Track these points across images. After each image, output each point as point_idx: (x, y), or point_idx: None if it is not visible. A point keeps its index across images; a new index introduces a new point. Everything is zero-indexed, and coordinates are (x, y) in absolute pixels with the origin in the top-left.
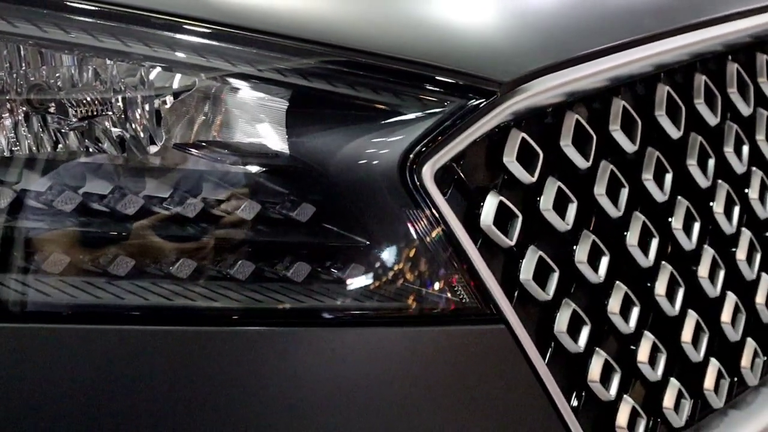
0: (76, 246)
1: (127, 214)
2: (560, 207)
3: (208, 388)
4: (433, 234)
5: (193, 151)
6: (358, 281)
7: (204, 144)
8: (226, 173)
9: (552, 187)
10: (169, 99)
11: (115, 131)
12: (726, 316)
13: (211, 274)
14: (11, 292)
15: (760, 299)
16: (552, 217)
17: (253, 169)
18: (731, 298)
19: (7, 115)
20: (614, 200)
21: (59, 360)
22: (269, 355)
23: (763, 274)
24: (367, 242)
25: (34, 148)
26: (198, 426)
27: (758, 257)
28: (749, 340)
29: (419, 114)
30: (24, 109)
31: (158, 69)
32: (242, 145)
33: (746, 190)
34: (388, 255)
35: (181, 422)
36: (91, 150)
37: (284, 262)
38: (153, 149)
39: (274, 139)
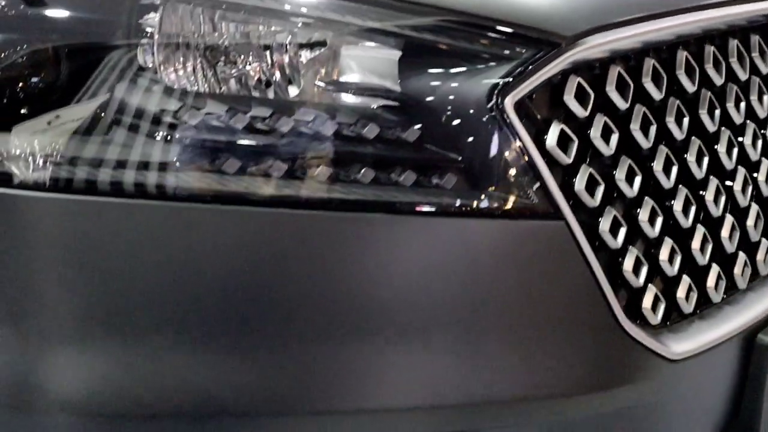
0: (243, 153)
1: (282, 132)
2: (605, 136)
3: (334, 262)
4: (512, 150)
5: (329, 88)
6: (453, 185)
7: (337, 83)
8: (354, 104)
9: (600, 120)
10: (309, 50)
11: (265, 77)
12: (725, 232)
13: (342, 178)
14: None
15: (750, 222)
16: (599, 143)
17: (374, 102)
18: (729, 219)
19: (189, 64)
20: (645, 134)
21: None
22: (381, 236)
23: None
24: (460, 157)
25: (206, 89)
26: (317, 292)
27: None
28: (741, 253)
29: (502, 60)
30: (200, 62)
31: (301, 24)
32: (366, 85)
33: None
34: (476, 166)
35: (310, 291)
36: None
37: (396, 171)
38: (293, 91)
39: (390, 80)
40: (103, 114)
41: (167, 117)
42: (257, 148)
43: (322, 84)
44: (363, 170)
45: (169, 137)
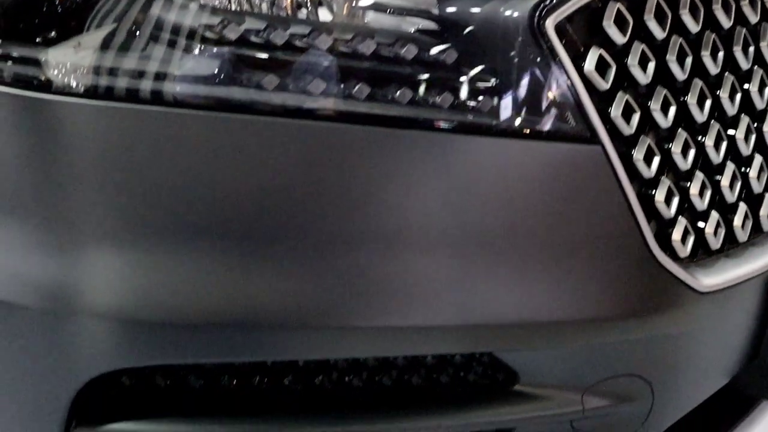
0: (283, 64)
1: (320, 50)
2: (642, 65)
3: (373, 176)
4: (552, 72)
5: (365, 10)
6: (492, 107)
7: (373, 5)
8: (391, 26)
9: (637, 48)
10: None
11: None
12: (753, 172)
13: (380, 98)
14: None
15: None
16: (636, 71)
17: (412, 24)
18: (758, 159)
19: None
20: (681, 66)
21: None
22: (419, 153)
23: None
24: (499, 78)
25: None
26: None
27: None
28: (767, 194)
29: None
30: None
31: None
32: (403, 7)
33: None
34: (515, 86)
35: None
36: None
37: (434, 93)
38: (324, 14)
39: (428, 2)
40: (136, 28)
41: (203, 32)
42: (294, 61)
43: (358, 6)
44: (401, 90)
45: (205, 51)
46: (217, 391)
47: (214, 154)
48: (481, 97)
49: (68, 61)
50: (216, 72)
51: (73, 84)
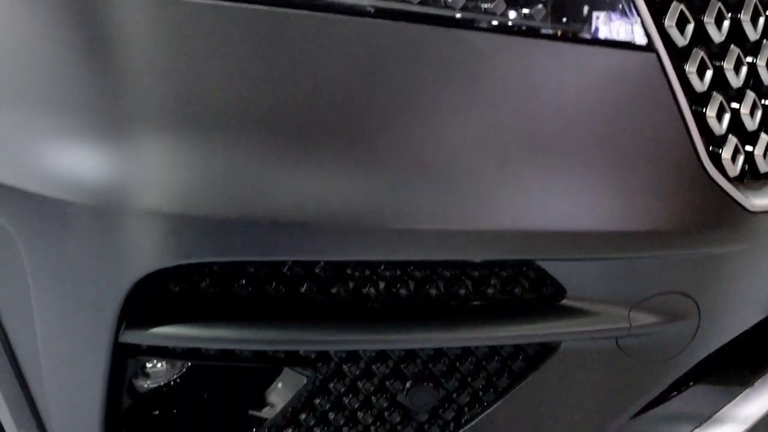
0: None
1: None
2: None
3: (427, 76)
4: None
5: None
6: (548, 11)
7: None
8: None
9: None
10: None
11: None
12: None
13: (431, 14)
14: None
15: None
16: None
17: None
18: None
19: None
20: None
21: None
22: (472, 54)
23: None
24: None
25: None
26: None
27: None
28: None
29: None
30: None
31: None
32: None
33: None
34: None
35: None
36: None
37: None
38: None
39: None
40: None
41: None
42: None
43: None
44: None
45: None
46: (263, 299)
47: (268, 48)
48: (538, 2)
49: None
50: None
51: None
